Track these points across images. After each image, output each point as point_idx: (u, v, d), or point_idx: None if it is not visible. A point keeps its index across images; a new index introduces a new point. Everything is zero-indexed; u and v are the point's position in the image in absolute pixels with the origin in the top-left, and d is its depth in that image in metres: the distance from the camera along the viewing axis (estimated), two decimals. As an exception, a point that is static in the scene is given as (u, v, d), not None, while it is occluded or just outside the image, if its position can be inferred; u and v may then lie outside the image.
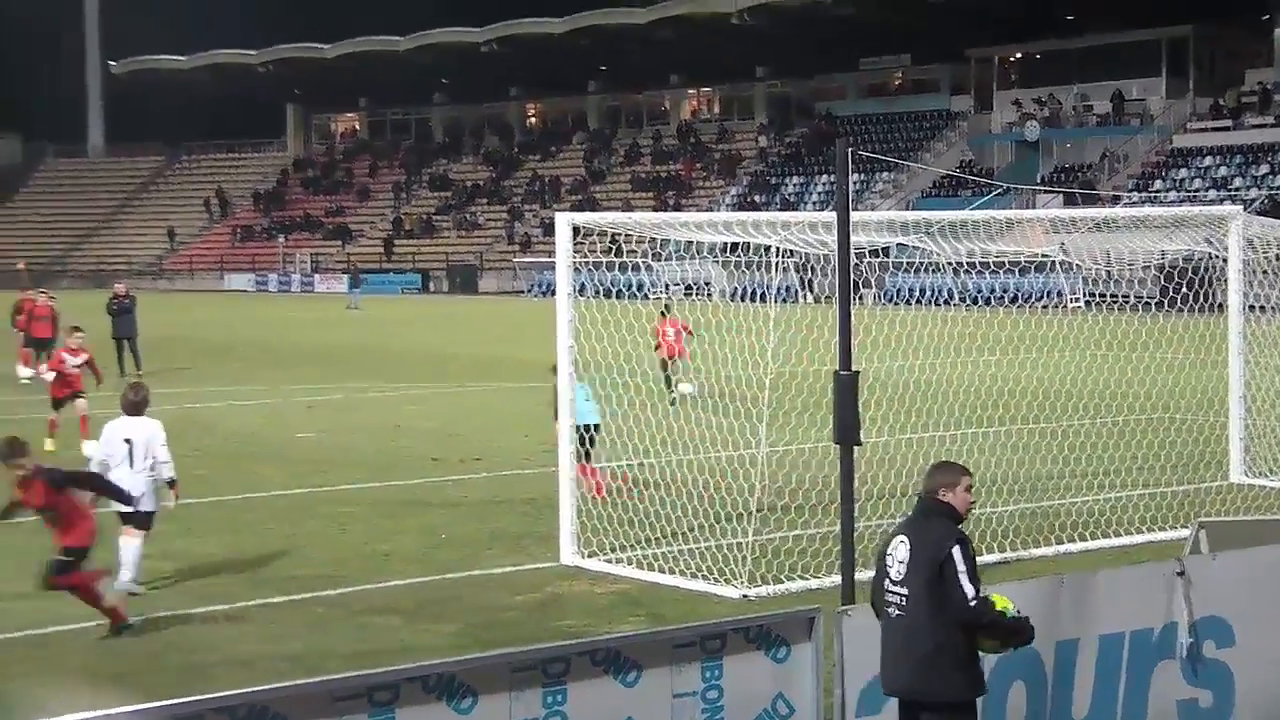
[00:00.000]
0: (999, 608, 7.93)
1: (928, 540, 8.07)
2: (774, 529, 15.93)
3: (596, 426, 17.61)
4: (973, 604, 7.90)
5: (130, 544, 13.85)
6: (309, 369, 37.20)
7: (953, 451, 18.60)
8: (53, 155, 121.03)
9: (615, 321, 16.47)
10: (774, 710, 8.48)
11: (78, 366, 23.76)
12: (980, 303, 21.48)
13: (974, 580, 7.94)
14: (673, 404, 23.11)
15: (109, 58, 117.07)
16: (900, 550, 8.13)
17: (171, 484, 14.12)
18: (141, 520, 13.92)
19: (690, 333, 26.47)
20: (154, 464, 13.94)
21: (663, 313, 26.53)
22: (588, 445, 16.90)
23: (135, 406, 14.22)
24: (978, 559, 8.13)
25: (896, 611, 8.09)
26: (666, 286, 24.82)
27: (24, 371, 34.90)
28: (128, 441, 13.91)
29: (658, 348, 25.83)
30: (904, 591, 8.04)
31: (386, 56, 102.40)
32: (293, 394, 31.39)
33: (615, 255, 17.38)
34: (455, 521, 17.67)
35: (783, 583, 14.08)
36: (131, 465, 13.82)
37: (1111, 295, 24.47)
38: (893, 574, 8.13)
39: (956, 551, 7.98)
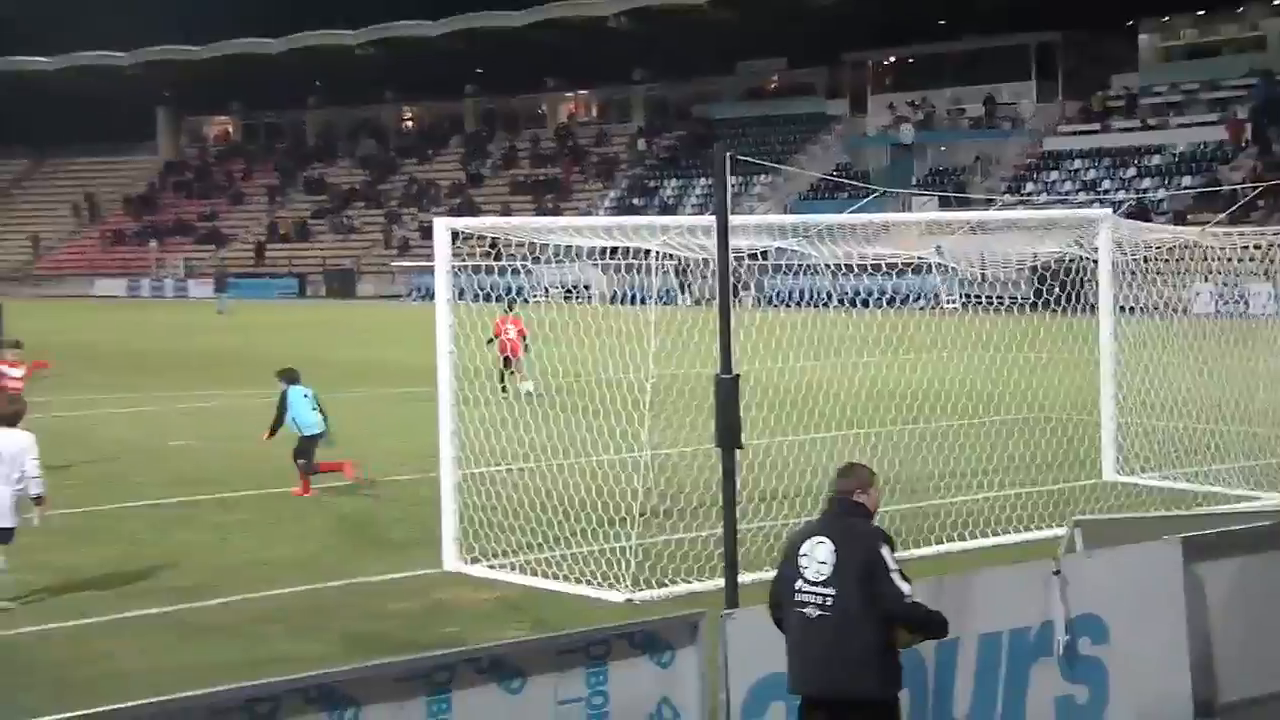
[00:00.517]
0: None
1: (854, 540, 8.13)
2: (657, 533, 15.96)
3: (320, 435, 19.60)
4: (908, 601, 8.01)
5: None
6: (182, 375, 36.66)
7: (833, 452, 18.77)
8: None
9: (493, 326, 16.41)
10: (659, 715, 8.49)
11: (19, 379, 22.28)
12: (858, 305, 21.65)
13: (905, 577, 8.06)
14: (505, 394, 23.49)
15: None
16: (820, 551, 8.15)
17: (38, 500, 13.78)
18: (2, 536, 13.60)
19: (525, 334, 26.65)
20: (22, 477, 13.63)
21: (505, 310, 26.62)
22: (306, 456, 19.18)
23: (7, 419, 13.88)
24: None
25: (817, 612, 8.08)
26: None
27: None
28: None
29: (490, 341, 25.85)
30: (828, 592, 8.06)
31: (259, 59, 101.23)
32: (165, 401, 30.92)
33: (494, 259, 17.34)
34: (336, 529, 17.53)
35: (666, 586, 14.13)
36: None
37: (986, 297, 24.78)
38: (809, 574, 8.14)
39: (885, 550, 8.10)
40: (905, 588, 8.03)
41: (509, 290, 25.45)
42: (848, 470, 8.53)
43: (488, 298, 17.37)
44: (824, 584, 8.09)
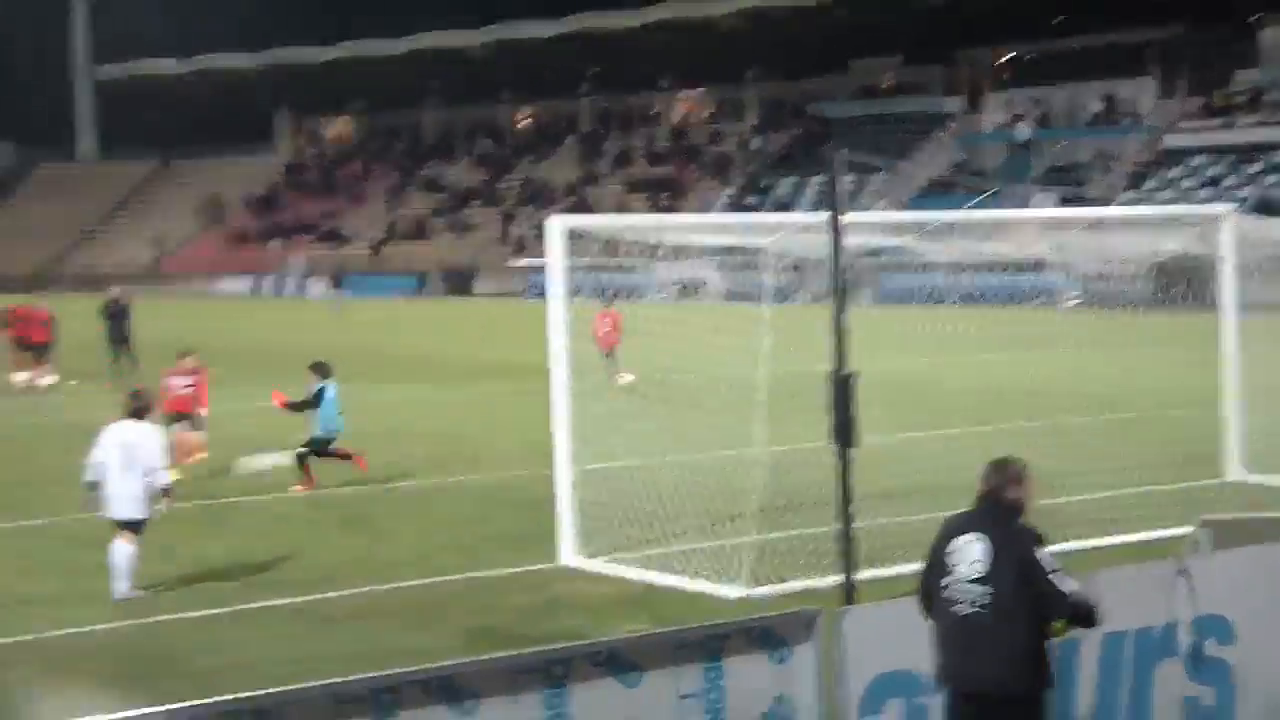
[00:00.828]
0: None
1: (1011, 539, 8.09)
2: (773, 529, 15.90)
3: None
4: (1070, 601, 7.99)
5: (123, 550, 13.83)
6: (303, 372, 37.09)
7: (950, 450, 18.60)
8: (44, 161, 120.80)
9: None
10: (775, 711, 8.46)
11: (187, 388, 22.51)
12: (974, 301, 21.42)
13: (1064, 574, 8.05)
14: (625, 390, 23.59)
15: (99, 63, 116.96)
16: (974, 549, 8.09)
17: (165, 491, 14.09)
18: (133, 527, 13.87)
19: (620, 330, 26.68)
20: (150, 470, 13.91)
21: (605, 305, 26.66)
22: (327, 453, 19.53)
23: (135, 412, 14.20)
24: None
25: (970, 609, 8.02)
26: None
27: (19, 377, 34.93)
28: (121, 446, 13.87)
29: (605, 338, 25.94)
30: (984, 589, 7.99)
31: (379, 60, 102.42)
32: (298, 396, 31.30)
33: (609, 257, 17.37)
34: (456, 524, 17.65)
35: (783, 582, 14.06)
36: (124, 471, 13.79)
37: (1105, 294, 24.43)
38: (962, 571, 8.07)
39: (1040, 553, 8.07)
40: (1066, 586, 8.01)
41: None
42: (997, 466, 8.43)
43: (603, 296, 17.39)
44: (978, 581, 8.03)
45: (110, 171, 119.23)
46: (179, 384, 22.17)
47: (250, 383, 34.37)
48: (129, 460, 13.82)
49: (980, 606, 7.98)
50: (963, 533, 8.19)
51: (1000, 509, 8.22)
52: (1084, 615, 8.11)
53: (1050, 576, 7.97)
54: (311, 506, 19.01)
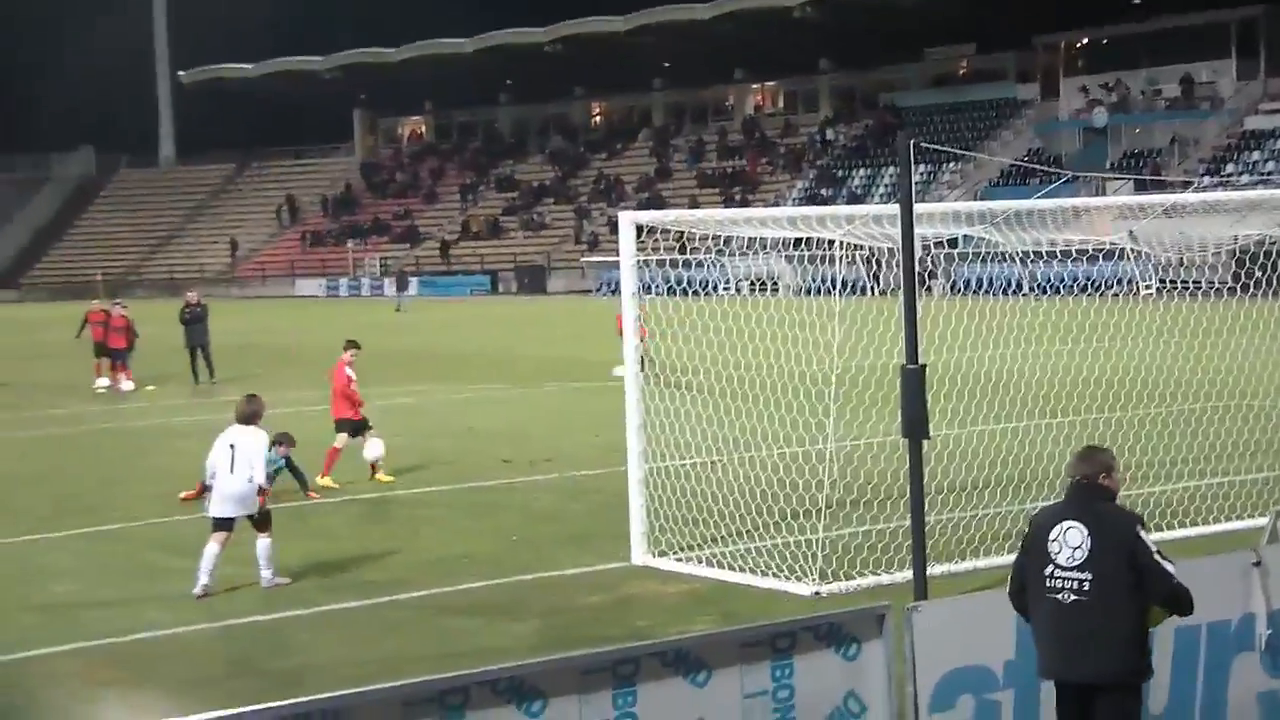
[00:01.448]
0: None
1: (1109, 525, 8.15)
2: (844, 525, 15.86)
3: None
4: (1175, 581, 8.05)
5: (261, 543, 14.71)
6: (376, 372, 37.39)
7: (1024, 442, 18.47)
8: (125, 166, 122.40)
9: (681, 320, 16.47)
10: (846, 708, 8.42)
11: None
12: (1049, 291, 21.25)
13: (1165, 556, 8.11)
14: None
15: (178, 68, 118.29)
16: (1073, 536, 8.14)
17: (261, 492, 14.51)
18: (259, 522, 14.67)
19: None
20: (251, 473, 14.38)
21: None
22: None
23: (247, 417, 14.83)
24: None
25: (1073, 597, 8.07)
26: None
27: (101, 382, 35.42)
28: (231, 448, 14.48)
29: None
30: (1085, 576, 8.05)
31: (451, 59, 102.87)
32: (369, 398, 31.55)
33: (681, 252, 17.35)
34: (527, 523, 17.72)
35: (854, 579, 14.02)
36: (231, 471, 14.43)
37: (1184, 281, 24.15)
38: (1062, 559, 8.12)
39: (1142, 533, 8.13)
40: (1169, 567, 8.06)
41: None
42: (1089, 454, 8.49)
43: (674, 291, 17.39)
44: (1079, 568, 8.06)
45: (189, 175, 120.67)
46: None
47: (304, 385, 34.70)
48: (235, 460, 14.42)
49: (1083, 594, 8.03)
50: (1060, 521, 8.23)
51: (1096, 496, 8.28)
52: (1184, 599, 8.17)
53: (1154, 557, 8.04)
54: (382, 508, 19.14)
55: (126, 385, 35.04)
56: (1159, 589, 8.04)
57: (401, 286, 79.98)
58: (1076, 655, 8.05)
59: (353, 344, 21.54)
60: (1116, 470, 8.40)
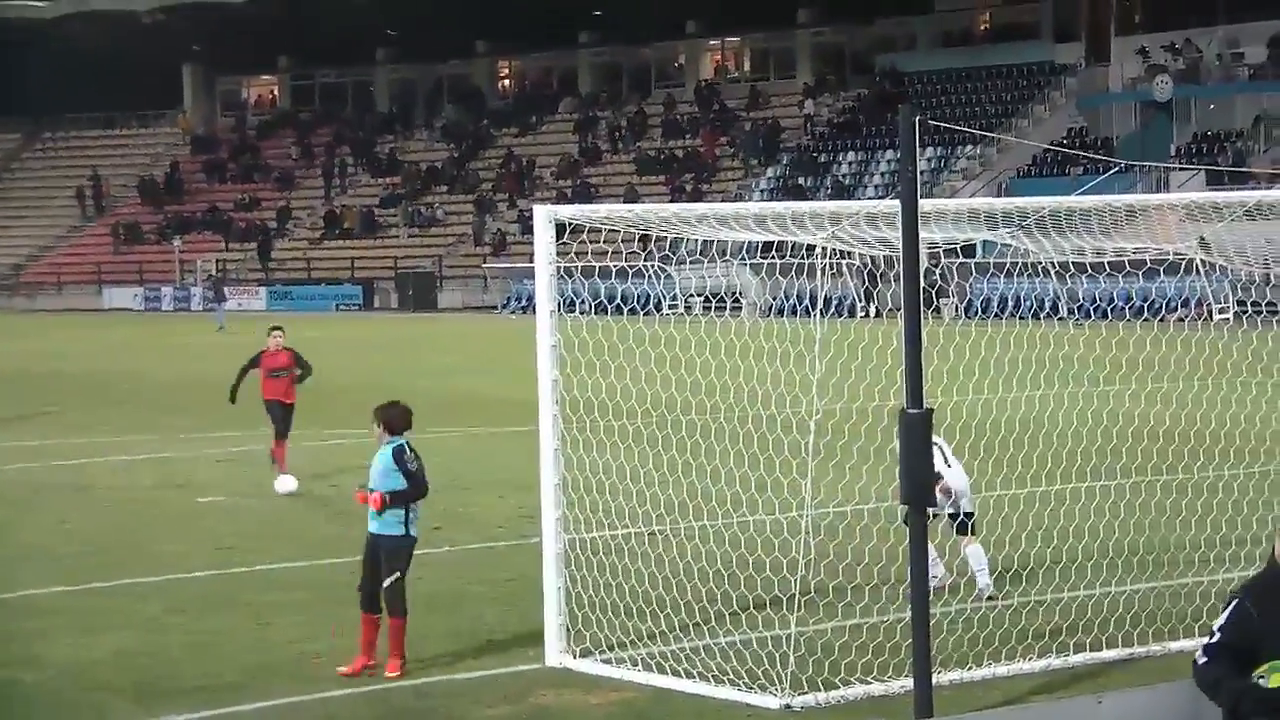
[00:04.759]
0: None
1: None
2: (824, 618, 15.94)
3: None
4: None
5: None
6: (214, 413, 37.23)
7: (1059, 511, 18.61)
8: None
9: (613, 347, 16.54)
10: None
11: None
12: (1094, 315, 21.50)
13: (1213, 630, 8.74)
14: None
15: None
16: None
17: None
18: None
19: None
20: None
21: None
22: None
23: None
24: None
25: None
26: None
27: None
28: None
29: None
30: None
31: (314, 3, 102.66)
32: (194, 445, 31.45)
33: (614, 259, 17.43)
34: (413, 611, 17.69)
35: (837, 688, 14.09)
36: None
37: (1269, 304, 24.47)
38: None
39: None
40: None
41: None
42: None
43: (603, 309, 17.47)
44: None
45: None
46: None
47: (160, 428, 34.54)
48: None
49: None
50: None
51: None
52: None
53: None
54: (219, 589, 19.12)
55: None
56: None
57: (219, 298, 79.83)
58: None
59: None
60: None
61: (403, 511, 15.43)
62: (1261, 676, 8.50)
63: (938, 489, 15.22)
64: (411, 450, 15.55)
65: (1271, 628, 8.62)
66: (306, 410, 28.12)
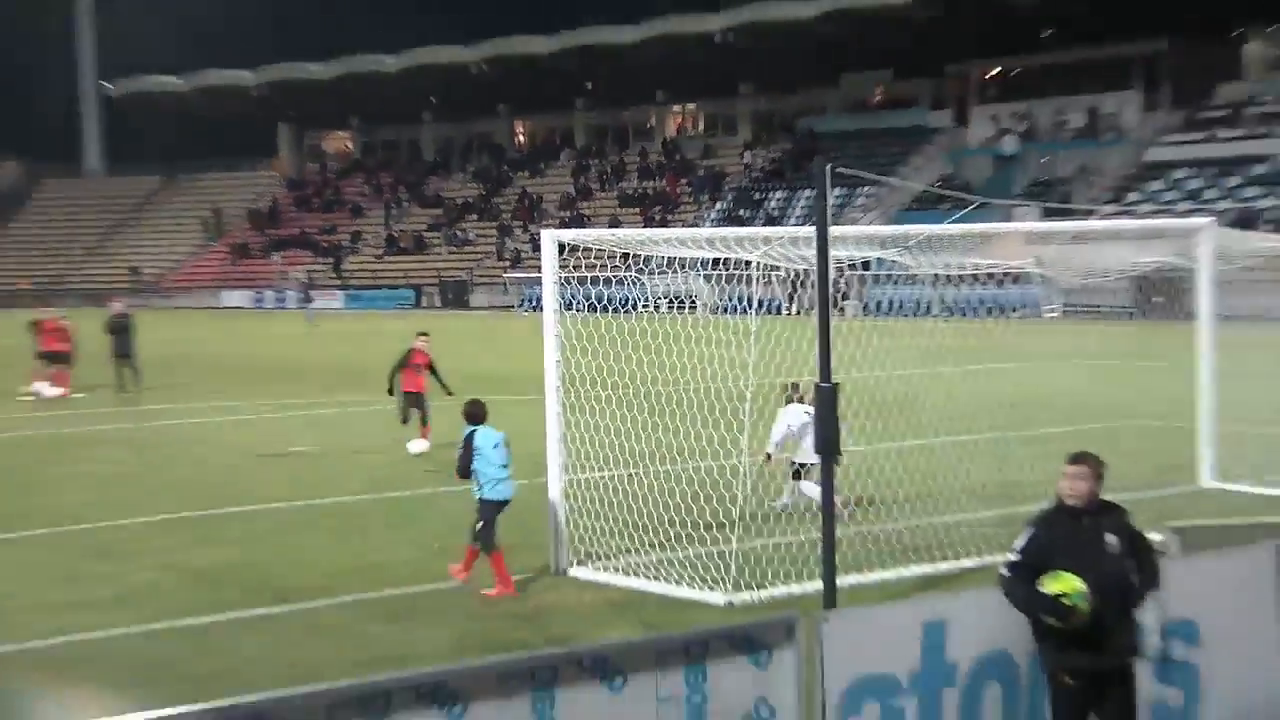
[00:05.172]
0: (1057, 588, 8.50)
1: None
2: (757, 537, 16.00)
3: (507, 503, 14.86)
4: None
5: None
6: (303, 385, 37.22)
7: (932, 460, 18.69)
8: (51, 177, 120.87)
9: (601, 336, 16.56)
10: (757, 714, 8.54)
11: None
12: (959, 314, 21.53)
13: (1013, 549, 8.83)
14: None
15: (104, 79, 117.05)
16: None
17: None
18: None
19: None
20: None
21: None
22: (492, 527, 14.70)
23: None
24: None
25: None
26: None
27: (39, 387, 35.01)
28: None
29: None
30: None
31: (377, 76, 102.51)
32: (287, 409, 31.44)
33: (601, 270, 17.43)
34: (450, 533, 17.70)
35: (766, 589, 14.15)
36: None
37: (1086, 305, 24.52)
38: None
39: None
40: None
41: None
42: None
43: (593, 308, 17.48)
44: None
45: (115, 186, 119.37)
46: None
47: (265, 395, 34.50)
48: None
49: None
50: None
51: None
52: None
53: None
54: (306, 515, 19.09)
55: (52, 391, 34.68)
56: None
57: (307, 300, 79.41)
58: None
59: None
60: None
61: (473, 482, 14.99)
62: (1041, 586, 8.56)
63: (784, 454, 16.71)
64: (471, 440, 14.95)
65: (1055, 547, 8.70)
66: (368, 380, 28.01)
